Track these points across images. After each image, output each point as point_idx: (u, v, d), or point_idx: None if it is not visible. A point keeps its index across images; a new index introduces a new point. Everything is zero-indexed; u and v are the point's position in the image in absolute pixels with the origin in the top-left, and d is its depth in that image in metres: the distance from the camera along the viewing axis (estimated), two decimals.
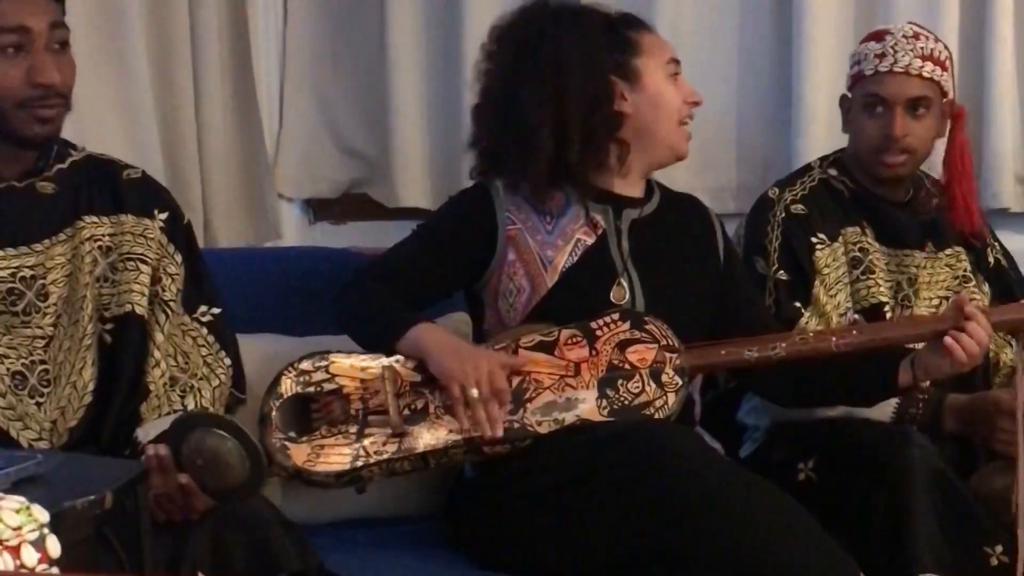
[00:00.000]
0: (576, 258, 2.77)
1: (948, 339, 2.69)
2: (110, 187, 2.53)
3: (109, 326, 2.47)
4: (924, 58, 3.00)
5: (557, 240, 2.78)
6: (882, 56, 3.01)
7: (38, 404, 2.39)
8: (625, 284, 2.77)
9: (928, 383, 2.84)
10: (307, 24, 3.63)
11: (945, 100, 3.06)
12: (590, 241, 2.78)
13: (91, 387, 2.43)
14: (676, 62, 2.84)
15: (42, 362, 2.40)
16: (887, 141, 3.01)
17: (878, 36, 3.06)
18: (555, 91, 2.72)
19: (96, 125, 3.25)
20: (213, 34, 3.40)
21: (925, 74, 3.00)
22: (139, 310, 2.47)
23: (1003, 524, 2.75)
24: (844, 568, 2.49)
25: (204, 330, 2.55)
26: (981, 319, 2.70)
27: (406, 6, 3.55)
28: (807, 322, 2.98)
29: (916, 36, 3.03)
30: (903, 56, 3.00)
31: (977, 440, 2.96)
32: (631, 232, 2.81)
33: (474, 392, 2.56)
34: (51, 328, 2.42)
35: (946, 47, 3.09)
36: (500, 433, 2.59)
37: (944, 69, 3.04)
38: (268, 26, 3.62)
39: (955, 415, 2.94)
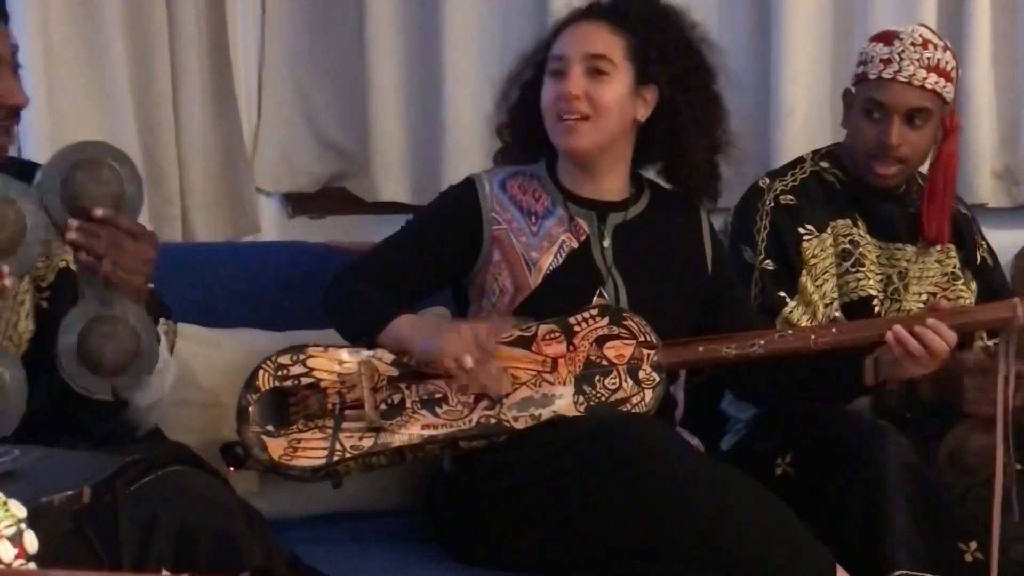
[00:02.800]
0: (560, 261, 2.77)
1: (888, 333, 2.68)
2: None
3: (46, 294, 2.46)
4: (929, 69, 2.98)
5: (542, 242, 2.78)
6: (888, 62, 2.98)
7: None
8: (609, 289, 2.77)
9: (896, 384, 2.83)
10: (285, 17, 3.62)
11: (946, 108, 3.04)
12: (574, 245, 2.78)
13: (27, 337, 2.41)
14: (558, 58, 2.78)
15: None
16: (882, 149, 3.00)
17: (888, 39, 3.02)
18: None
19: (73, 119, 3.23)
20: (191, 27, 3.39)
21: (928, 86, 2.98)
22: (73, 265, 2.44)
23: (981, 481, 2.76)
24: (820, 561, 2.49)
25: None
26: (941, 326, 2.68)
27: (384, 0, 3.55)
28: (791, 312, 2.99)
29: (925, 44, 2.99)
30: (908, 65, 2.97)
31: (953, 403, 2.92)
32: (615, 237, 2.81)
33: (468, 360, 2.57)
34: None
35: (954, 56, 3.06)
36: (508, 388, 2.60)
37: (948, 80, 3.01)
38: (246, 19, 3.60)
39: (929, 381, 2.91)
